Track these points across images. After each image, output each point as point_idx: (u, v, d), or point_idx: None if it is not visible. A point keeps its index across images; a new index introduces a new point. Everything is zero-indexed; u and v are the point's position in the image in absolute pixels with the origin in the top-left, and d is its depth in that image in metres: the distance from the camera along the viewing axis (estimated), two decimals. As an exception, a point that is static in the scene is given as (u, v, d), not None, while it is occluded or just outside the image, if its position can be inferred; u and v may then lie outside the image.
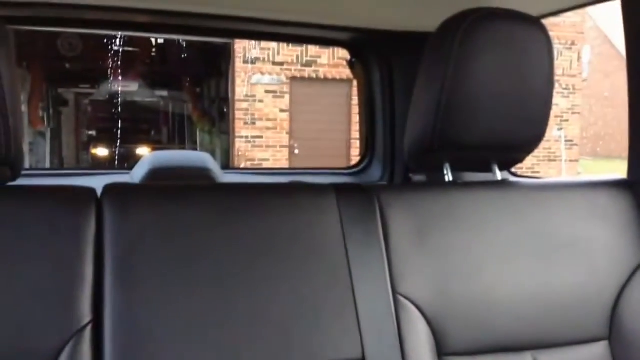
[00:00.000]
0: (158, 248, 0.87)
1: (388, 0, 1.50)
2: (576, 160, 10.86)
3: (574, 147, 10.71)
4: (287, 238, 0.92)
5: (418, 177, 1.65)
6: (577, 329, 1.00)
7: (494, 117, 0.99)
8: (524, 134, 1.03)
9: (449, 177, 1.06)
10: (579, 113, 10.69)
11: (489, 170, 1.08)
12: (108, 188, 0.91)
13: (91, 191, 0.90)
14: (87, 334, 0.81)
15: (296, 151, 9.79)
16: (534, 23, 1.00)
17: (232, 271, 0.88)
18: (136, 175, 1.62)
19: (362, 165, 1.96)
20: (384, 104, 1.78)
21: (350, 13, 1.59)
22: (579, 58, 10.42)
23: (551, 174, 10.05)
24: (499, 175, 1.08)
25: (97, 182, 0.97)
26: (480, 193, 1.03)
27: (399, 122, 1.73)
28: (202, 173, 1.62)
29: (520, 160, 1.09)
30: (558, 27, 9.60)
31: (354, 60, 1.87)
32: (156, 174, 1.57)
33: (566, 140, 10.37)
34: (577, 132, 10.80)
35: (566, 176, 9.75)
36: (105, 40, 9.89)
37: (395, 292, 0.93)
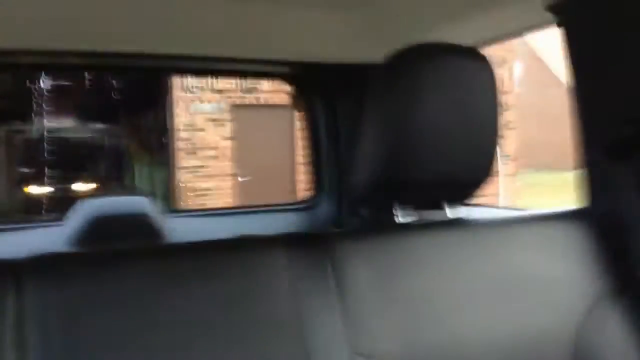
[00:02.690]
0: (94, 325, 0.78)
1: (327, 34, 1.48)
2: (513, 175, 11.19)
3: (510, 162, 11.04)
4: (235, 301, 0.86)
5: (365, 211, 1.63)
6: None
7: (441, 153, 0.97)
8: (472, 168, 1.01)
9: (397, 217, 1.03)
10: (514, 129, 11.04)
11: (439, 207, 1.06)
12: (30, 262, 0.80)
13: (8, 265, 0.79)
14: None
15: (240, 179, 9.68)
16: (477, 55, 0.99)
17: (180, 341, 0.81)
18: (71, 226, 1.52)
19: (310, 201, 1.91)
20: (328, 138, 1.75)
21: (290, 46, 1.56)
22: (510, 75, 10.79)
23: (490, 191, 10.29)
24: (449, 212, 1.06)
25: (29, 238, 0.88)
26: (436, 234, 1.01)
27: (346, 156, 1.70)
28: (142, 220, 1.53)
29: (470, 195, 1.07)
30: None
31: (296, 93, 1.84)
32: (93, 225, 1.48)
33: (503, 156, 10.67)
34: (513, 146, 11.14)
35: (521, 209, 10.01)
36: (37, 76, 9.60)
37: (354, 351, 0.87)
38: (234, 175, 9.73)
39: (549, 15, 1.15)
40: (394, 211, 1.03)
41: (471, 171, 1.01)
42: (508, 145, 10.89)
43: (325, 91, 1.72)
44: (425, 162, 0.96)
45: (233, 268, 0.88)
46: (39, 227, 1.71)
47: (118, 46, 1.43)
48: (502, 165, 10.72)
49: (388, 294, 0.92)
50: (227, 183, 9.73)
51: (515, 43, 11.37)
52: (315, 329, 0.87)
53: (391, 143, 0.95)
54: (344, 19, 1.33)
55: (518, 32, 1.40)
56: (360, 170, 1.02)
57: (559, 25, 1.14)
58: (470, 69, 0.97)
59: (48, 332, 0.76)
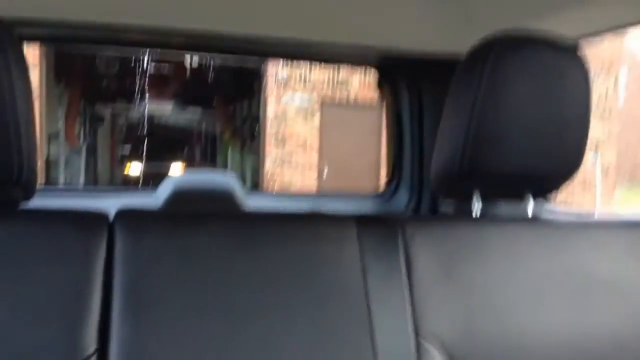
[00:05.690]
0: (169, 276, 0.84)
1: (420, 22, 1.47)
2: (613, 188, 10.54)
3: (609, 174, 10.44)
4: (304, 269, 0.89)
5: (446, 205, 1.61)
6: None
7: (526, 146, 0.94)
8: (559, 164, 0.98)
9: (478, 205, 1.02)
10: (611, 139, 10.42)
11: (522, 198, 1.04)
12: (120, 213, 0.88)
13: (103, 216, 0.87)
14: None
15: (325, 173, 9.77)
16: (569, 48, 0.96)
17: (246, 302, 0.85)
18: (160, 196, 1.61)
19: (388, 191, 1.90)
20: (412, 128, 1.73)
21: (379, 34, 1.57)
22: (615, 83, 10.18)
23: (585, 204, 9.78)
24: (531, 204, 1.03)
25: (120, 203, 0.95)
26: (511, 229, 0.98)
27: (427, 148, 1.68)
28: (225, 196, 1.59)
29: (555, 189, 1.04)
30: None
31: (382, 82, 1.84)
32: (179, 196, 1.56)
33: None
34: (613, 158, 10.50)
35: (602, 213, 9.47)
36: (141, 61, 10.11)
37: (417, 331, 0.88)
38: (319, 167, 9.85)
39: None
40: (473, 201, 1.01)
41: (557, 166, 0.98)
42: (608, 156, 10.30)
43: (412, 82, 1.71)
44: (508, 153, 0.94)
45: (305, 237, 0.91)
46: (134, 193, 1.83)
47: (217, 27, 1.49)
48: (600, 177, 10.15)
49: (454, 281, 0.91)
50: (313, 173, 9.86)
51: (619, 48, 10.66)
52: (380, 302, 0.88)
53: (474, 133, 0.93)
54: (439, 7, 1.32)
55: (620, 26, 1.33)
56: (441, 160, 1.01)
57: None
58: (560, 62, 0.94)
59: (128, 278, 0.83)
